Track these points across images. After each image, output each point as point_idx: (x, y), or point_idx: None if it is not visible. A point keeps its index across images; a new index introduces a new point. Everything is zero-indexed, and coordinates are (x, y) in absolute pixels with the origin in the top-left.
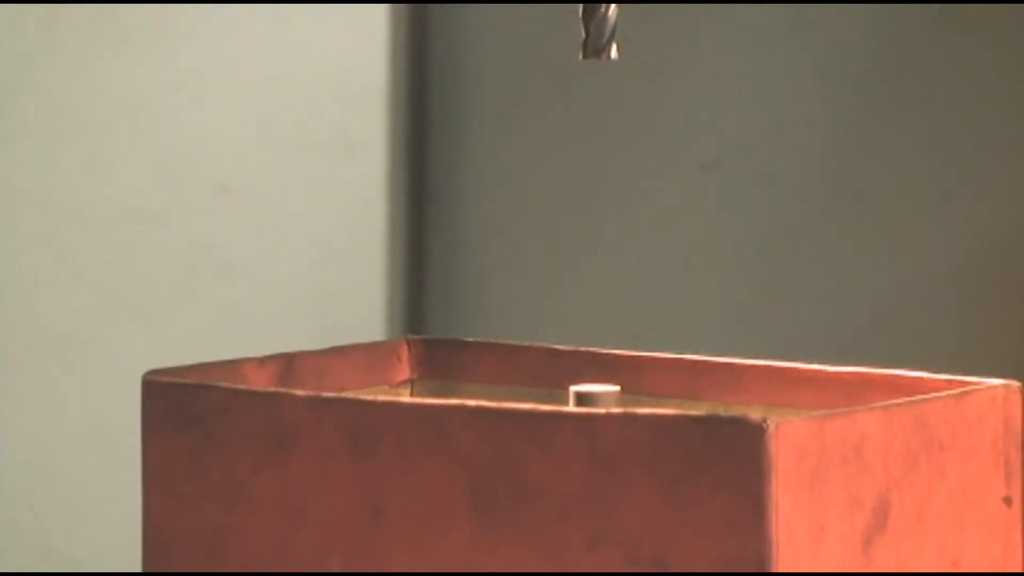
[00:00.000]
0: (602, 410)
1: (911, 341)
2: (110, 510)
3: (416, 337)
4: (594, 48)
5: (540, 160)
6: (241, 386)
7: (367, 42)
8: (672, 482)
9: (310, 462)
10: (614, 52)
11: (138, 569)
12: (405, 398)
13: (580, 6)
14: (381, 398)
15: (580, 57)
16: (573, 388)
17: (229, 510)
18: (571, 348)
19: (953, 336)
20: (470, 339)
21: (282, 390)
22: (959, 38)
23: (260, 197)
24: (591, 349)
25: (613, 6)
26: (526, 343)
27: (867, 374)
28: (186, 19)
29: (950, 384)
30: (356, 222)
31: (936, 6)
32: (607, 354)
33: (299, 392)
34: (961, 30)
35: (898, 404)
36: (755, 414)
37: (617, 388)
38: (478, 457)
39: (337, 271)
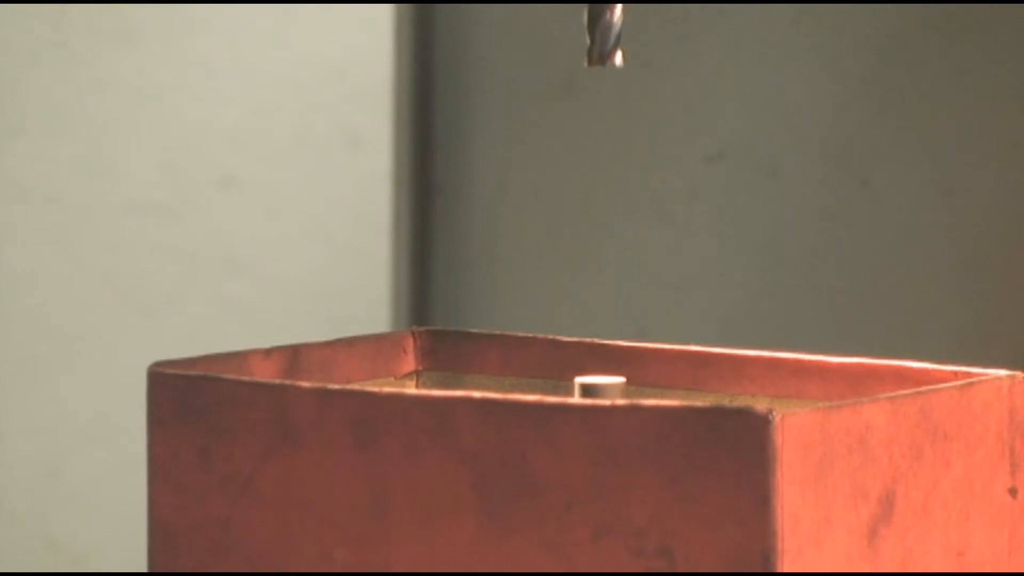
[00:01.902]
0: (607, 402)
1: (916, 332)
2: (116, 504)
3: (422, 329)
4: (599, 54)
5: (544, 154)
6: (247, 378)
7: (373, 39)
8: (677, 474)
9: (315, 454)
10: (619, 59)
11: (144, 563)
12: (410, 390)
13: (584, 13)
14: (386, 390)
15: (585, 64)
16: (578, 379)
17: (235, 502)
18: (576, 340)
19: (958, 327)
20: (475, 331)
21: (288, 382)
22: (963, 32)
23: (266, 192)
24: (596, 341)
25: (618, 12)
26: (531, 335)
27: (872, 365)
28: (191, 15)
29: (956, 375)
30: (362, 216)
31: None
32: (612, 346)
33: (305, 384)
34: (966, 24)
35: (903, 395)
36: (760, 405)
37: (622, 380)
38: (483, 448)
39: (343, 264)
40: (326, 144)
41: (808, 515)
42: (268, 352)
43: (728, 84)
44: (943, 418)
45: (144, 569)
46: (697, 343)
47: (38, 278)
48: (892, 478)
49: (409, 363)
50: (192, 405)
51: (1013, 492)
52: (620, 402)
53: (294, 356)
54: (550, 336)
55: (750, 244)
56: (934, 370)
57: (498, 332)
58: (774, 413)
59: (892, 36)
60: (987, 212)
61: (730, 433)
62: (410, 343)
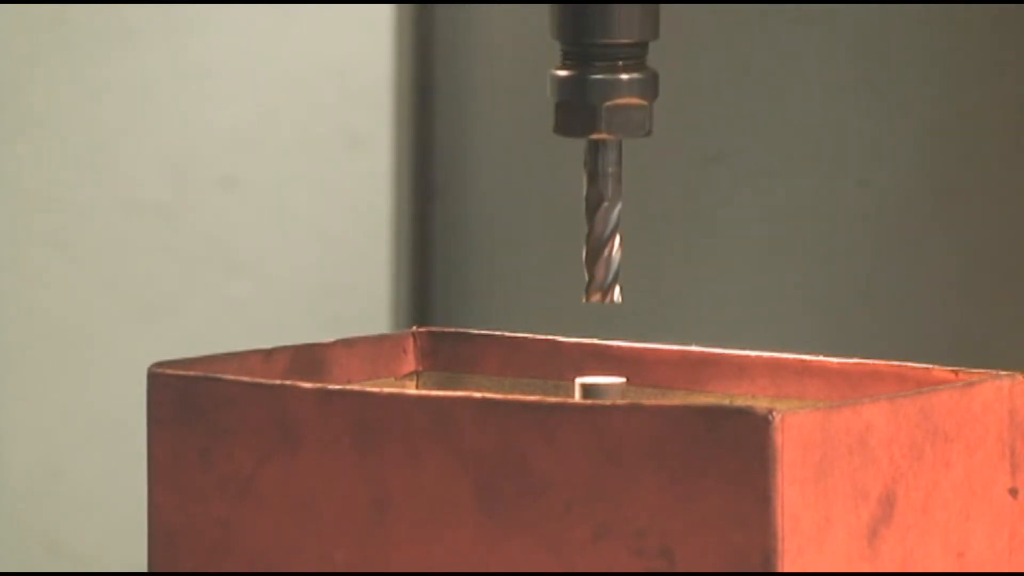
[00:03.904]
0: (608, 402)
1: (916, 332)
2: (116, 504)
3: (422, 329)
4: (599, 290)
5: (544, 154)
6: (247, 378)
7: (373, 39)
8: (678, 474)
9: (316, 454)
10: (617, 295)
11: (144, 563)
12: (411, 390)
13: (583, 249)
14: (387, 390)
15: (584, 300)
16: (579, 380)
17: (235, 503)
18: (576, 340)
19: (958, 327)
20: (475, 331)
21: (288, 382)
22: (964, 32)
23: (266, 192)
24: (596, 341)
25: (616, 247)
26: (531, 335)
27: (873, 365)
28: (192, 15)
29: (957, 376)
30: (362, 217)
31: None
32: (612, 346)
33: (305, 384)
34: (966, 24)
35: (904, 396)
36: (760, 405)
37: (623, 380)
38: (484, 449)
39: (343, 265)
40: (326, 144)
41: (808, 515)
42: (268, 352)
43: (728, 84)
44: (943, 419)
45: (144, 569)
46: (698, 343)
47: (38, 278)
48: (892, 478)
49: (409, 363)
50: (192, 406)
51: (1013, 493)
52: (621, 402)
53: (294, 356)
54: (550, 336)
55: (750, 244)
56: (936, 370)
57: (498, 332)
58: (774, 413)
59: (892, 36)
60: (987, 212)
61: (730, 433)
62: (410, 343)
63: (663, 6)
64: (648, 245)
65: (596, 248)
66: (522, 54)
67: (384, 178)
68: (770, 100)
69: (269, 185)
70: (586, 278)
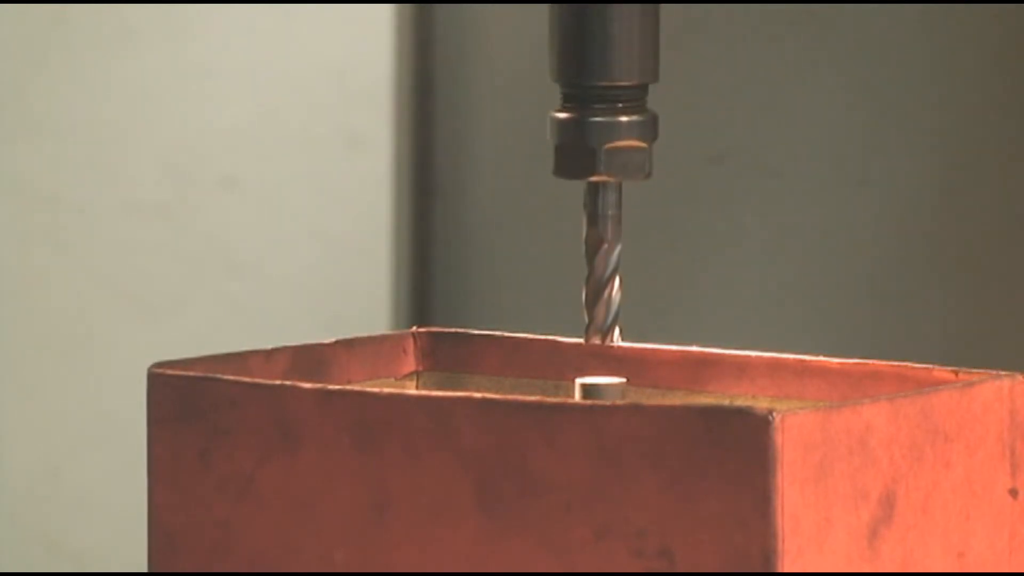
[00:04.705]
0: (608, 402)
1: (916, 332)
2: (116, 504)
3: (422, 330)
4: (598, 332)
5: (544, 154)
6: (247, 379)
7: (373, 39)
8: (678, 474)
9: (316, 455)
10: (617, 336)
11: (144, 563)
12: (411, 390)
13: (583, 292)
14: (387, 390)
15: (583, 342)
16: (579, 380)
17: (235, 503)
18: (576, 341)
19: (958, 327)
20: (475, 331)
21: (288, 383)
22: (963, 32)
23: (266, 192)
24: (596, 342)
25: (616, 288)
26: (531, 335)
27: (873, 366)
28: (191, 16)
29: (957, 376)
30: (362, 216)
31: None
32: (612, 347)
33: (305, 385)
34: (966, 24)
35: (904, 396)
36: (760, 406)
37: (623, 380)
38: (484, 449)
39: (343, 265)
40: (326, 144)
41: (808, 516)
42: (268, 353)
43: (728, 85)
44: (944, 419)
45: (144, 569)
46: (698, 344)
47: (38, 278)
48: (892, 479)
49: (409, 364)
50: (192, 406)
51: (1013, 493)
52: (621, 403)
53: (294, 357)
54: (550, 337)
55: (750, 244)
56: (936, 371)
57: (498, 332)
58: (774, 413)
59: (892, 36)
60: (987, 212)
61: (730, 434)
62: (410, 344)
63: (661, 7)
64: (648, 245)
65: (596, 290)
66: (522, 54)
67: (384, 178)
68: (770, 100)
69: (269, 185)
70: (586, 319)
